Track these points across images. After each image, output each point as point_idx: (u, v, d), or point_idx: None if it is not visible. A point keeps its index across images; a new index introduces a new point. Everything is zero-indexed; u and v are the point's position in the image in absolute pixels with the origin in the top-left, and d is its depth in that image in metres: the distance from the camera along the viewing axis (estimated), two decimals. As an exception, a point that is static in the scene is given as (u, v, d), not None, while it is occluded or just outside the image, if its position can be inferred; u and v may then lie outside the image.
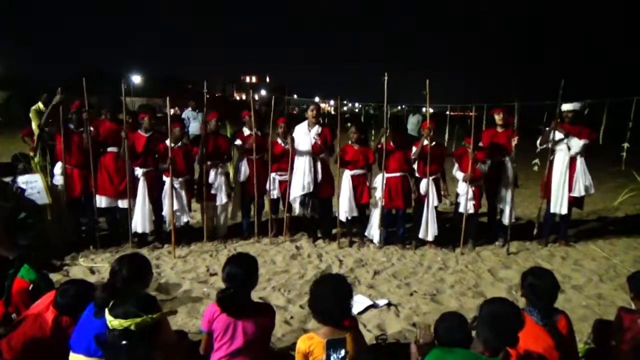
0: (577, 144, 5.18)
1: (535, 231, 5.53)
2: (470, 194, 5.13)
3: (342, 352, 1.75)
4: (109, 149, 5.10)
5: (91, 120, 5.04)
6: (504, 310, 1.94)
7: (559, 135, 5.22)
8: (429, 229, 5.19)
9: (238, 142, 5.48)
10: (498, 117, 5.47)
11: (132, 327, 1.78)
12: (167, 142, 5.04)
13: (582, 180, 5.23)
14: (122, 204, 5.16)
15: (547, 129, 5.29)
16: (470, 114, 5.38)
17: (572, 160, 5.25)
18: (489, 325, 1.90)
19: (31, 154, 5.83)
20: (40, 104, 7.16)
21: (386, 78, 5.09)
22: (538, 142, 5.48)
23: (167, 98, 4.94)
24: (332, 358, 1.75)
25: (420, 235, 5.29)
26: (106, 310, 1.84)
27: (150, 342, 1.88)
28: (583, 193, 5.28)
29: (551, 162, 5.34)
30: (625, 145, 6.35)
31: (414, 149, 5.23)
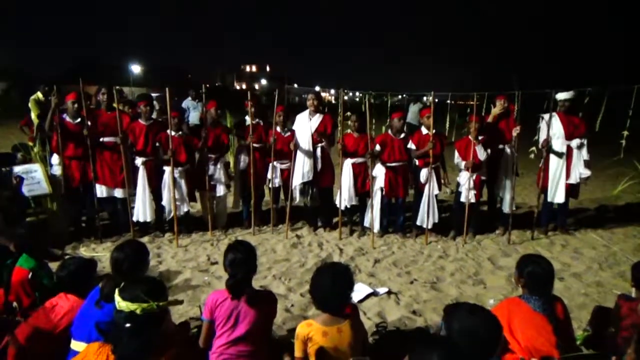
0: (574, 143, 5.19)
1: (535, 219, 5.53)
2: (472, 184, 5.12)
3: None
4: (107, 139, 5.08)
5: (89, 112, 5.02)
6: (479, 325, 1.65)
7: (556, 137, 5.19)
8: (429, 217, 5.19)
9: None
10: (500, 104, 5.44)
11: (138, 312, 1.78)
12: (168, 131, 5.02)
13: (579, 168, 5.23)
14: (121, 193, 5.16)
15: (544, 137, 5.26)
16: (471, 102, 5.35)
17: (569, 148, 5.24)
18: (464, 343, 1.61)
19: (30, 143, 5.82)
20: (39, 94, 7.14)
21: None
22: (540, 142, 5.41)
23: (167, 89, 4.91)
24: None
25: (420, 223, 5.29)
26: (116, 290, 1.84)
27: (154, 329, 1.88)
28: (579, 180, 5.28)
29: (548, 151, 5.32)
30: (625, 133, 6.30)
31: (412, 144, 5.20)
